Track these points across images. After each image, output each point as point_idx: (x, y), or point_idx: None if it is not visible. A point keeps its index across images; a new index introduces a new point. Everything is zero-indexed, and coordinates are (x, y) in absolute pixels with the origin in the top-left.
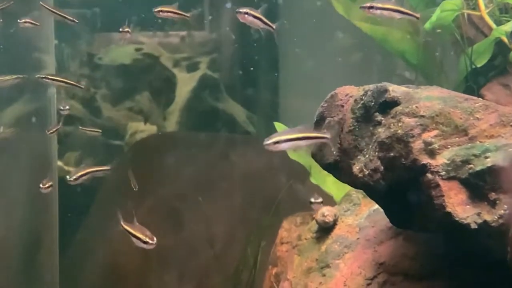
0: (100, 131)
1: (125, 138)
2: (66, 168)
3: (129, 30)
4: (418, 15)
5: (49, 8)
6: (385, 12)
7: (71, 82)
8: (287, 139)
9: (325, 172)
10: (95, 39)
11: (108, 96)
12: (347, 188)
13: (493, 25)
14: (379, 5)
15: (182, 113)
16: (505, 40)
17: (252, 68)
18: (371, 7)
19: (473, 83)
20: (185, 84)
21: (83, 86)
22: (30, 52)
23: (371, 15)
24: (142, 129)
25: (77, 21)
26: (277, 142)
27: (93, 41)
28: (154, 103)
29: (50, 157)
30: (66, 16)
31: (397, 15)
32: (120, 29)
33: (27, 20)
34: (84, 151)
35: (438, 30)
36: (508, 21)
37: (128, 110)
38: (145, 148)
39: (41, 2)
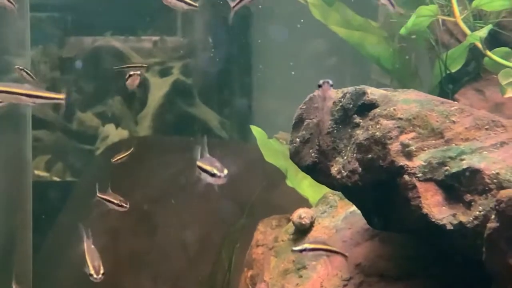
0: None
1: (96, 142)
2: (36, 172)
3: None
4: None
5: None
6: None
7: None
8: None
9: (301, 175)
10: (66, 42)
11: (79, 100)
12: (322, 191)
13: (468, 31)
14: None
15: (154, 118)
16: (479, 45)
17: (225, 74)
18: None
19: (447, 88)
20: (158, 89)
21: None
22: (4, 56)
23: None
24: (113, 133)
25: None
26: None
27: (65, 45)
28: (126, 107)
29: (24, 159)
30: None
31: None
32: None
33: None
34: (55, 155)
35: (413, 36)
36: (482, 27)
37: (99, 114)
38: (117, 153)
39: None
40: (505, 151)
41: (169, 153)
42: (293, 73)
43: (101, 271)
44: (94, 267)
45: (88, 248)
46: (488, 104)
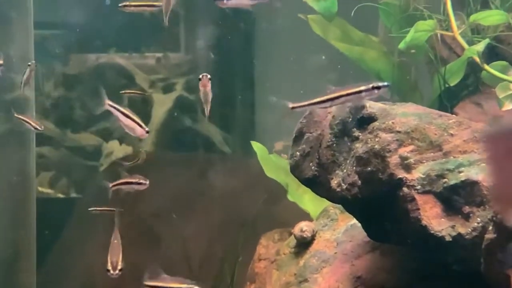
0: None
1: (100, 158)
2: (40, 189)
3: None
4: None
5: None
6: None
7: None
8: None
9: (302, 190)
10: (70, 59)
11: (83, 116)
12: (323, 205)
13: (466, 45)
14: None
15: (158, 133)
16: (477, 59)
17: (227, 89)
18: None
19: (446, 102)
20: (161, 105)
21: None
22: (8, 73)
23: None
24: (117, 149)
25: None
26: None
27: (69, 62)
28: None
29: (28, 176)
30: None
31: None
32: None
33: None
34: (59, 172)
35: (413, 50)
36: (480, 41)
37: (103, 130)
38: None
39: None
40: None
41: (172, 169)
42: (294, 87)
43: (119, 267)
44: (112, 262)
45: (113, 244)
46: (486, 117)
